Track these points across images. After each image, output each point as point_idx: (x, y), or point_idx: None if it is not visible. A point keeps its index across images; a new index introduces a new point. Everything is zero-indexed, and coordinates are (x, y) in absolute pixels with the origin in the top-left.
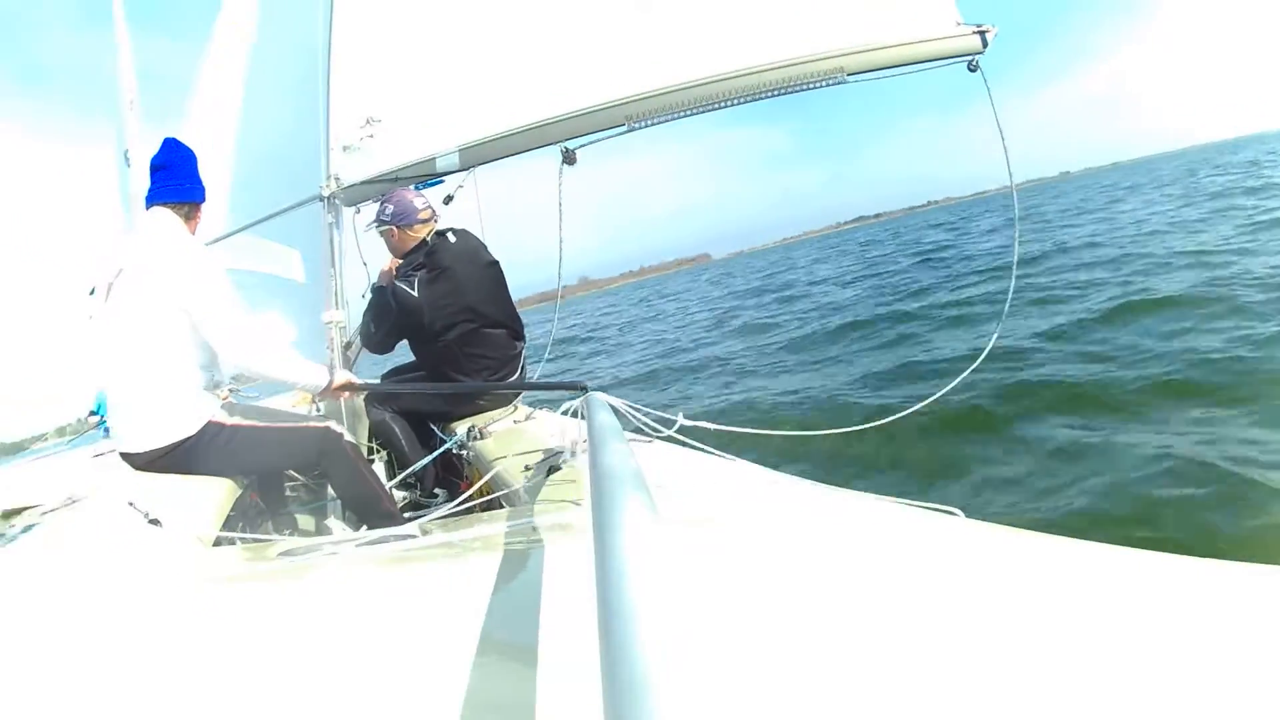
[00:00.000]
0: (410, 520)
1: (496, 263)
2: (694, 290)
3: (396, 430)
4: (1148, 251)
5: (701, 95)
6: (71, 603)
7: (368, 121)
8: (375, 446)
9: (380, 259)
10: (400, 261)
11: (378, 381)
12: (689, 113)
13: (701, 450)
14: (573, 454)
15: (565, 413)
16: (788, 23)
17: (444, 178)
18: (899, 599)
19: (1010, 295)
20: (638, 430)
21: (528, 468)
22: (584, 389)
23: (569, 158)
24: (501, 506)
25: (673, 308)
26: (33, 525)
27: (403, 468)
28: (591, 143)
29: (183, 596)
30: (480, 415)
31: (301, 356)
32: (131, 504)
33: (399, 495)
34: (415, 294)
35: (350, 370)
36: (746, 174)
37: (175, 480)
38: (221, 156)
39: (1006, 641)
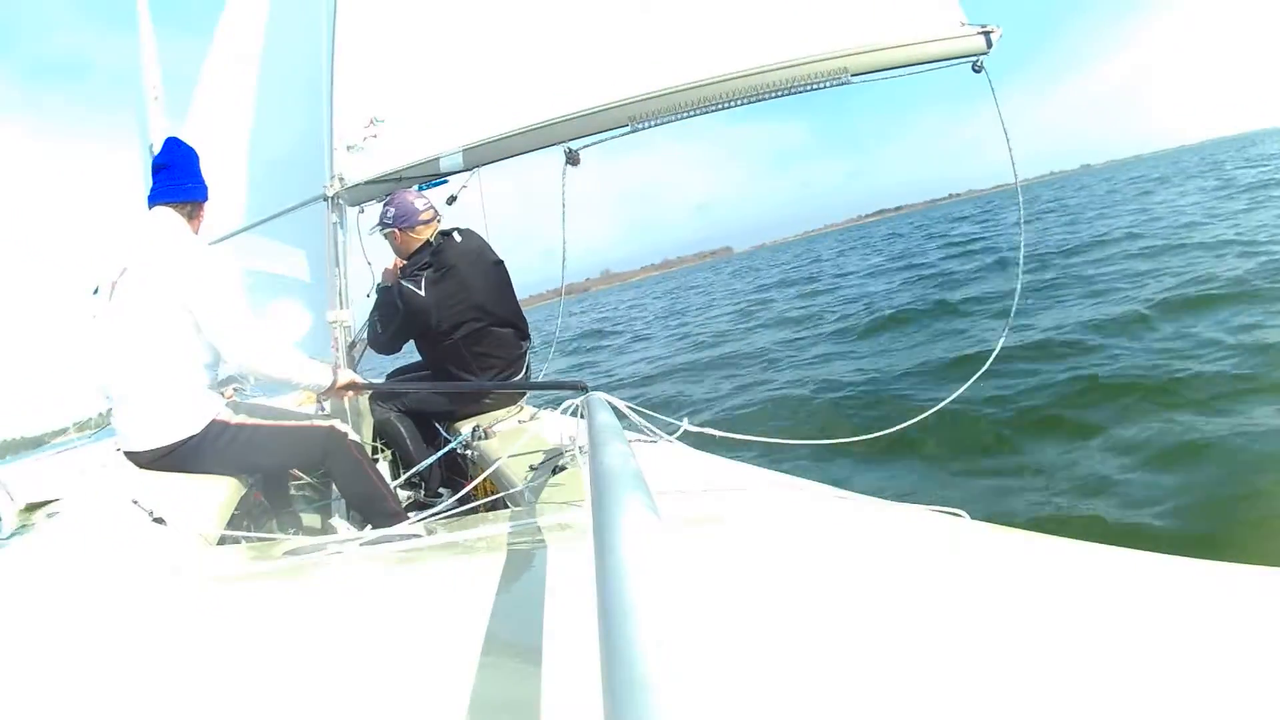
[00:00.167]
0: (415, 520)
1: (502, 262)
2: (717, 284)
3: (401, 430)
4: (1196, 241)
5: (705, 96)
6: (77, 601)
7: (372, 121)
8: (380, 446)
9: (384, 259)
10: (404, 261)
11: (382, 381)
12: (692, 113)
13: (703, 452)
14: (580, 453)
15: (566, 412)
16: (791, 23)
17: (448, 178)
18: (901, 600)
19: (1017, 296)
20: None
21: (532, 467)
22: (584, 388)
23: (572, 158)
24: (506, 506)
25: (700, 300)
26: (55, 516)
27: (407, 467)
28: (595, 143)
29: (187, 595)
30: (485, 415)
31: (306, 356)
32: (136, 502)
33: (403, 495)
34: (422, 293)
35: (354, 370)
36: (765, 168)
37: (179, 479)
38: (225, 156)
39: (1010, 643)
